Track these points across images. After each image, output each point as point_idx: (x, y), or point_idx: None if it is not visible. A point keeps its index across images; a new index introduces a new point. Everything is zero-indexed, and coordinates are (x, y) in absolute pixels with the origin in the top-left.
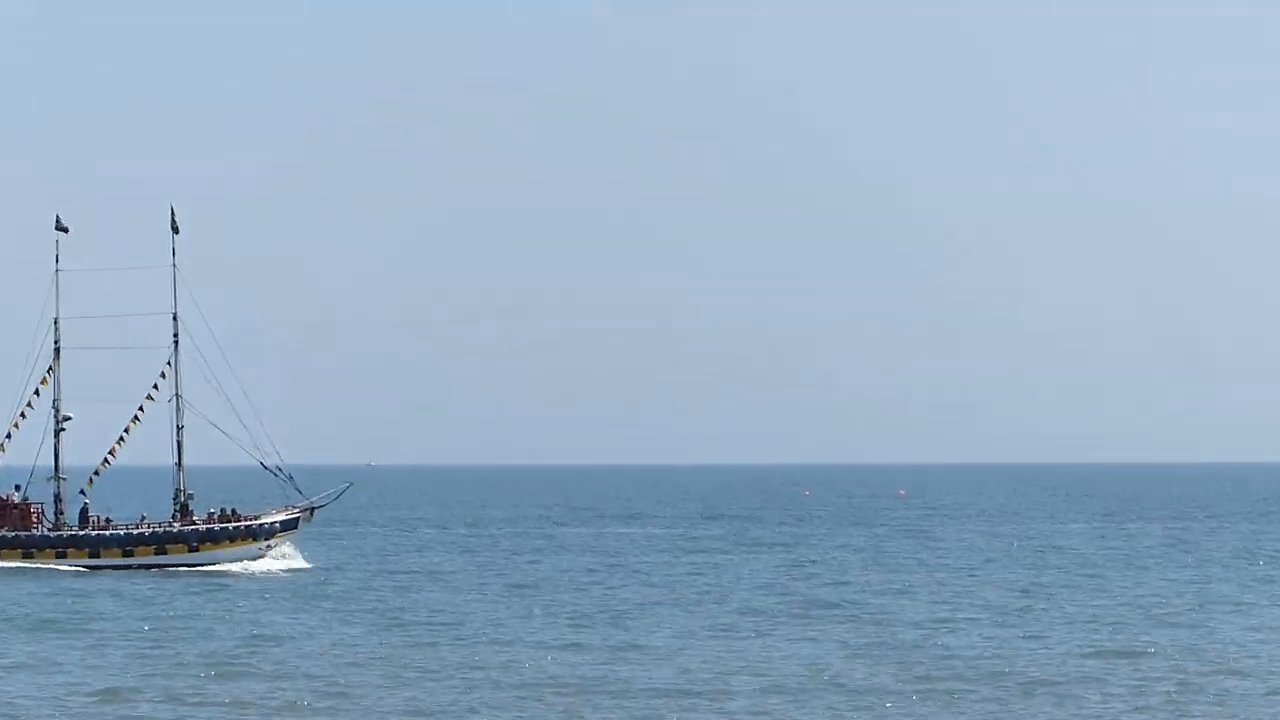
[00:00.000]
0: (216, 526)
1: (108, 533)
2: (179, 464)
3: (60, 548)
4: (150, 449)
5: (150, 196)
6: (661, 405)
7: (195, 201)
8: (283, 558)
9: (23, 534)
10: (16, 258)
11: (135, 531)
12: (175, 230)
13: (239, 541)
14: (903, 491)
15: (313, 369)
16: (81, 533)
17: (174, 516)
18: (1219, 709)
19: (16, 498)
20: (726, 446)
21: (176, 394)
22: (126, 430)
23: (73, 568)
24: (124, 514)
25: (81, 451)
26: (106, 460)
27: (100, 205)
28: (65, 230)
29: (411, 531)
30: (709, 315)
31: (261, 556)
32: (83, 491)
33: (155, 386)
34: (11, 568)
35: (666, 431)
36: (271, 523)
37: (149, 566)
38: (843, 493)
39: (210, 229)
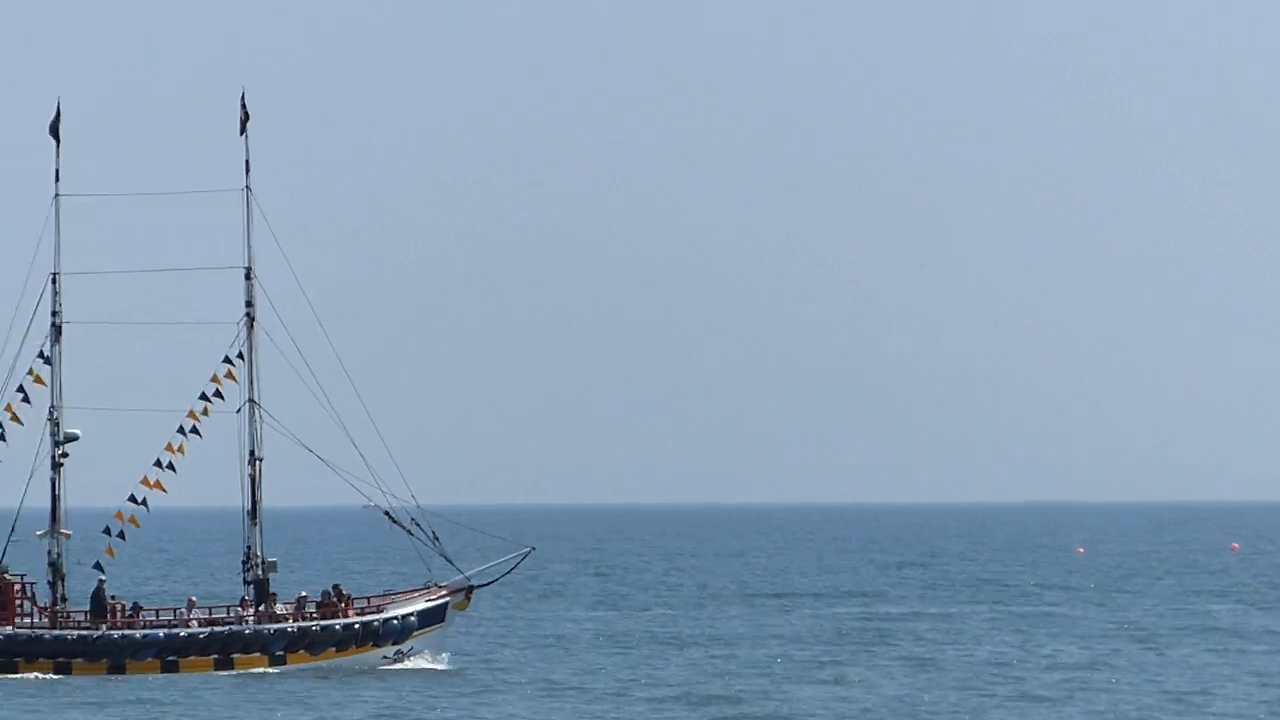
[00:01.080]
0: (318, 625)
1: (138, 632)
2: (252, 512)
3: (62, 655)
4: (197, 484)
5: (206, 74)
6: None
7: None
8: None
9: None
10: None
11: (186, 633)
12: (243, 126)
13: (354, 648)
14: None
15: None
16: (98, 632)
17: (246, 599)
18: None
19: None
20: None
21: (250, 400)
22: (170, 464)
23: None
24: (156, 589)
25: (91, 490)
26: (142, 502)
27: (123, 89)
28: (57, 131)
29: (561, 597)
30: None
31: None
32: (98, 565)
33: (221, 382)
34: None
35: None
36: (405, 616)
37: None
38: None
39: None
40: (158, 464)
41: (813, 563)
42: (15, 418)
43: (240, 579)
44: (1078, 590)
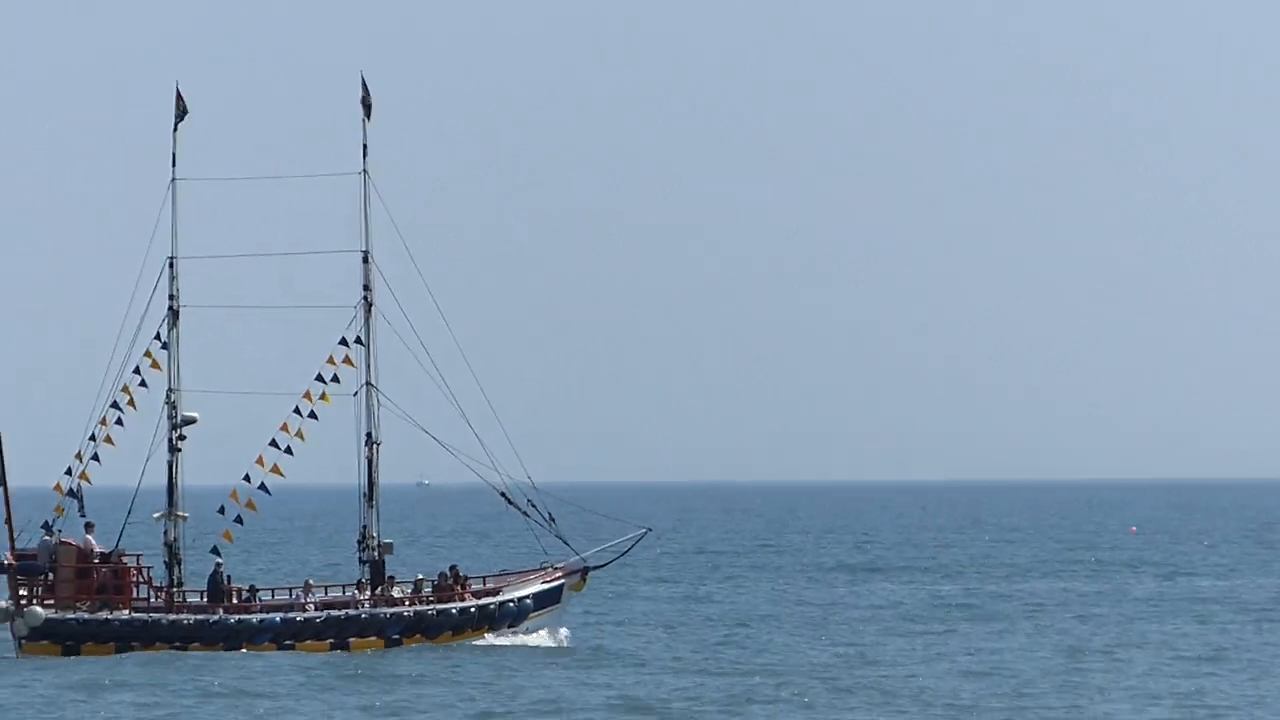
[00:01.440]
0: (434, 609)
1: (254, 616)
2: (369, 494)
3: (179, 639)
4: (315, 465)
5: (319, 59)
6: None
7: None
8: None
9: (117, 615)
10: (120, 159)
11: (302, 616)
12: (367, 110)
13: (470, 631)
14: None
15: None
16: (214, 616)
17: (362, 580)
18: None
19: (94, 540)
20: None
21: (367, 383)
22: (289, 447)
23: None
24: (268, 568)
25: (208, 472)
26: (260, 486)
27: (241, 74)
28: (184, 113)
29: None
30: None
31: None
32: (216, 550)
33: (336, 364)
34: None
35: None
36: (521, 598)
37: None
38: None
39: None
40: (274, 445)
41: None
42: (131, 401)
43: (356, 559)
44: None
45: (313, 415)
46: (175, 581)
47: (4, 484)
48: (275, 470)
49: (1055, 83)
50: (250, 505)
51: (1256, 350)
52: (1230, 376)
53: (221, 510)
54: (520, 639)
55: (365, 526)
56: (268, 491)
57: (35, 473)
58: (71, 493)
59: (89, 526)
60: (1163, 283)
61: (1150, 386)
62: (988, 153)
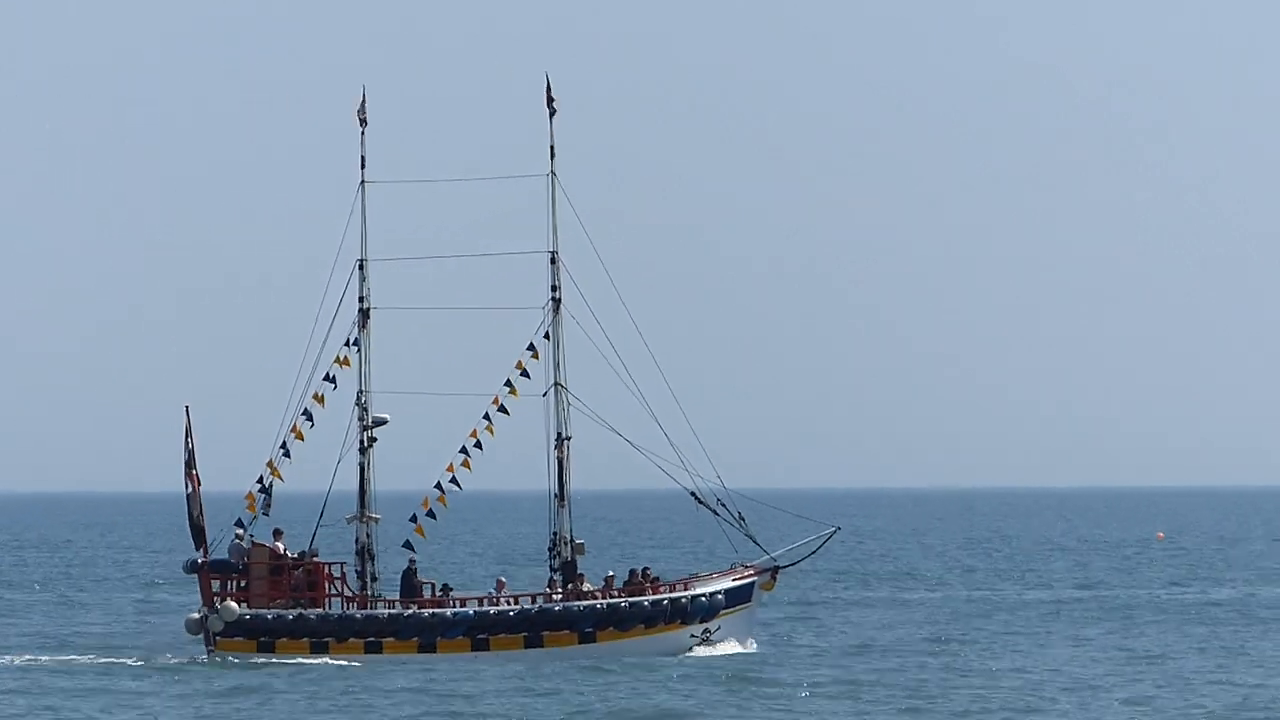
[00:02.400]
0: (626, 603)
1: (448, 611)
2: (560, 495)
3: (372, 634)
4: (503, 468)
5: (507, 61)
6: None
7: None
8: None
9: (310, 612)
10: (306, 164)
11: (493, 610)
12: (552, 109)
13: (662, 625)
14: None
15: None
16: (408, 611)
17: (554, 581)
18: None
19: (281, 547)
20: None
21: (556, 383)
22: (478, 444)
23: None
24: (460, 569)
25: (399, 474)
26: (452, 481)
27: (424, 79)
28: (364, 120)
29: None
30: None
31: (696, 647)
32: (408, 544)
33: (524, 364)
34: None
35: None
36: (712, 594)
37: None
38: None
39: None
40: (463, 450)
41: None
42: (320, 401)
43: (546, 563)
44: None
45: (503, 410)
46: (369, 579)
47: (197, 481)
48: (465, 465)
49: (1054, 82)
50: (442, 501)
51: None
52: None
53: (413, 518)
54: (710, 649)
55: (555, 530)
56: (459, 486)
57: (228, 477)
58: (264, 491)
59: (277, 533)
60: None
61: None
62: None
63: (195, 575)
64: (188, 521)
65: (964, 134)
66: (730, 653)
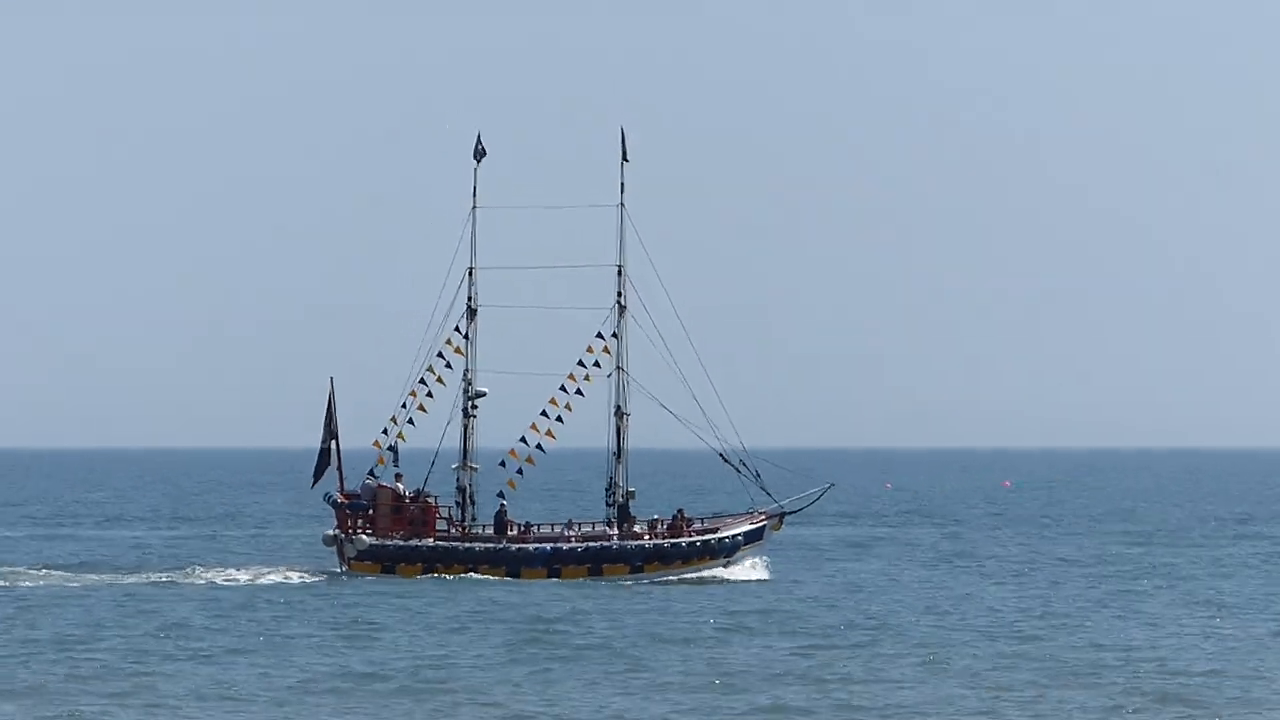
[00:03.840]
0: (669, 543)
1: (530, 547)
2: (618, 454)
3: (472, 562)
4: (567, 429)
5: (594, 118)
6: None
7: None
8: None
9: (424, 543)
10: (429, 191)
11: (566, 547)
12: (624, 158)
13: (694, 560)
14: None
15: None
16: (499, 545)
17: (610, 520)
18: None
19: (402, 488)
20: None
21: (618, 367)
22: (559, 417)
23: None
24: (536, 508)
25: (495, 435)
26: (537, 447)
27: (530, 126)
28: (482, 155)
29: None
30: None
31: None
32: (501, 494)
33: (591, 353)
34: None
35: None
36: (734, 535)
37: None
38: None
39: (667, 161)
40: (544, 415)
41: None
42: (440, 380)
43: (604, 505)
44: None
45: (579, 393)
46: (470, 518)
47: (336, 438)
48: (549, 434)
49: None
50: (530, 461)
51: None
52: None
53: (502, 464)
54: (733, 570)
55: (612, 479)
56: (543, 450)
57: (359, 435)
58: (391, 449)
59: (398, 477)
60: None
61: None
62: None
63: (333, 508)
64: (315, 466)
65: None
66: (746, 577)
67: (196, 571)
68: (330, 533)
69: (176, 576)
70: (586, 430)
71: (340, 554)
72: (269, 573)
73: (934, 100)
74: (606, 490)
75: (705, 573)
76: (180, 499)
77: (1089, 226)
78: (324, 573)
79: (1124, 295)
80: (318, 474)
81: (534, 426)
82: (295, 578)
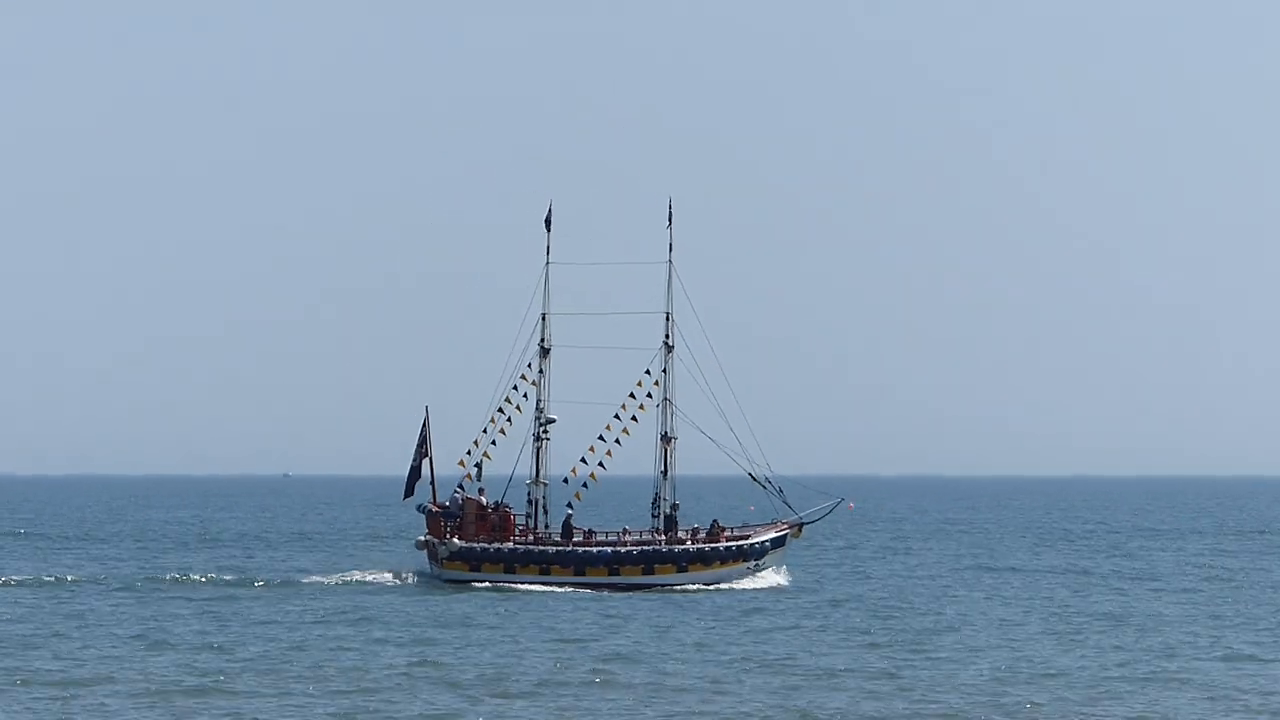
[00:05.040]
0: (708, 546)
1: (594, 549)
2: (665, 473)
3: (544, 563)
4: (624, 457)
5: (648, 188)
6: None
7: (695, 197)
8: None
9: (504, 547)
10: (508, 248)
11: (623, 549)
12: (670, 221)
13: (730, 562)
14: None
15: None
16: (568, 548)
17: (656, 529)
18: None
19: (485, 500)
20: None
21: (665, 399)
22: (617, 439)
23: (549, 588)
24: (591, 520)
25: (559, 457)
26: (601, 465)
27: (596, 196)
28: (549, 224)
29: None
30: None
31: (748, 577)
32: (570, 504)
33: (641, 386)
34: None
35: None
36: (762, 542)
37: (634, 587)
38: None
39: (711, 226)
40: (601, 440)
41: None
42: (518, 408)
43: (649, 518)
44: None
45: (634, 419)
46: (542, 526)
47: (429, 457)
48: (608, 454)
49: None
50: (593, 477)
51: None
52: None
53: (565, 481)
54: (759, 579)
55: (658, 494)
56: (604, 468)
57: (448, 459)
58: (477, 465)
59: (481, 491)
60: None
61: None
62: None
63: (425, 516)
64: (407, 481)
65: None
66: (769, 583)
67: (352, 574)
68: (422, 538)
69: (325, 579)
70: (636, 456)
71: (431, 555)
72: (372, 574)
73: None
74: (652, 504)
75: (736, 577)
76: (299, 517)
77: None
78: (415, 573)
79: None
80: (409, 489)
81: (592, 449)
82: (391, 579)
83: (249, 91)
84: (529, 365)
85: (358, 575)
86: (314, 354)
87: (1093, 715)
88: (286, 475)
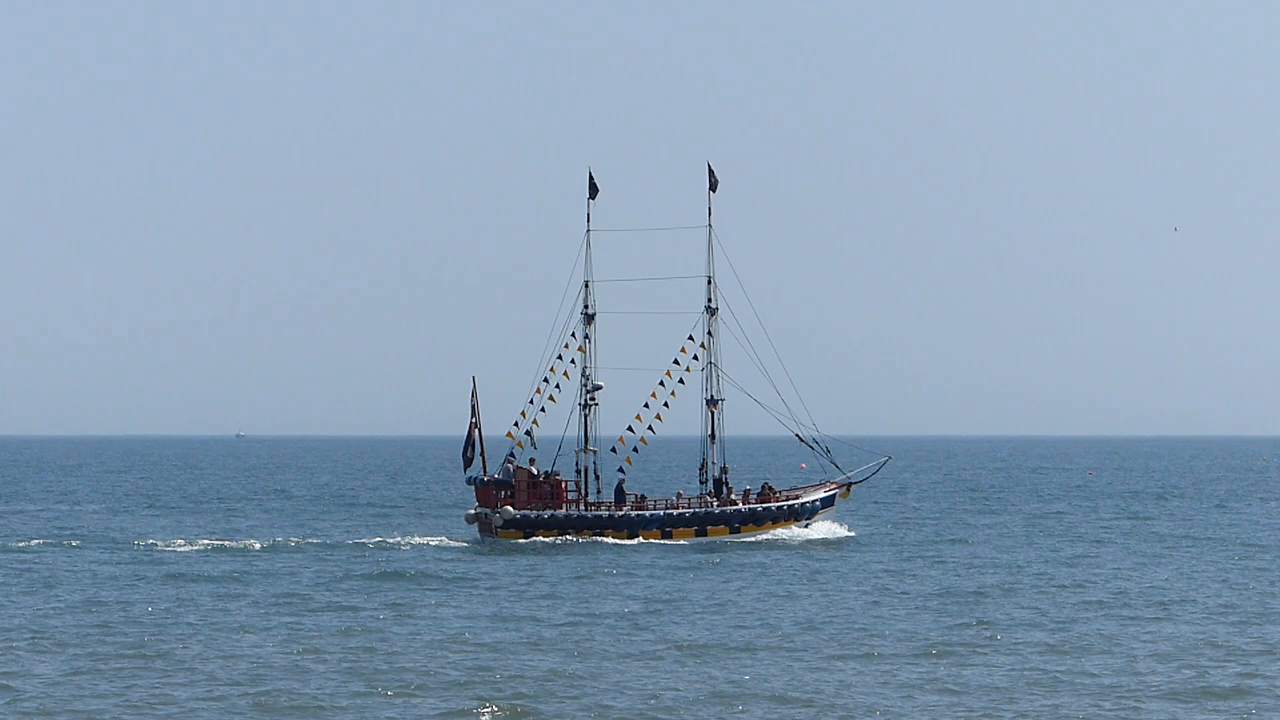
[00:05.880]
0: (759, 507)
1: (647, 513)
2: (712, 436)
3: (598, 528)
4: (671, 419)
5: (688, 152)
6: None
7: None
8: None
9: (558, 513)
10: (549, 218)
11: (676, 512)
12: (713, 188)
13: (781, 523)
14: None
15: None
16: (620, 512)
17: (706, 492)
18: None
19: (535, 469)
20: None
21: (710, 363)
22: (665, 403)
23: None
24: (640, 488)
25: (607, 422)
26: (650, 428)
27: (635, 161)
28: (595, 193)
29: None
30: None
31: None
32: (621, 469)
33: (685, 353)
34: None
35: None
36: (813, 501)
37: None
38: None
39: (749, 186)
40: (646, 407)
41: None
42: (565, 375)
43: (697, 483)
44: None
45: (681, 381)
46: (594, 491)
47: (479, 428)
48: (658, 418)
49: None
50: (644, 441)
51: None
52: None
53: (614, 450)
54: (812, 530)
55: (705, 459)
56: (654, 432)
57: (495, 425)
58: (528, 433)
59: (531, 461)
60: None
61: None
62: None
63: (476, 487)
64: (464, 453)
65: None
66: (824, 534)
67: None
68: (472, 511)
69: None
70: (681, 420)
71: (482, 528)
72: (432, 539)
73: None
74: (700, 470)
75: (785, 533)
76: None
77: None
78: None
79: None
80: (468, 460)
81: (639, 417)
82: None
83: (293, 53)
84: (572, 334)
85: (427, 540)
86: (358, 326)
87: None
88: (239, 435)
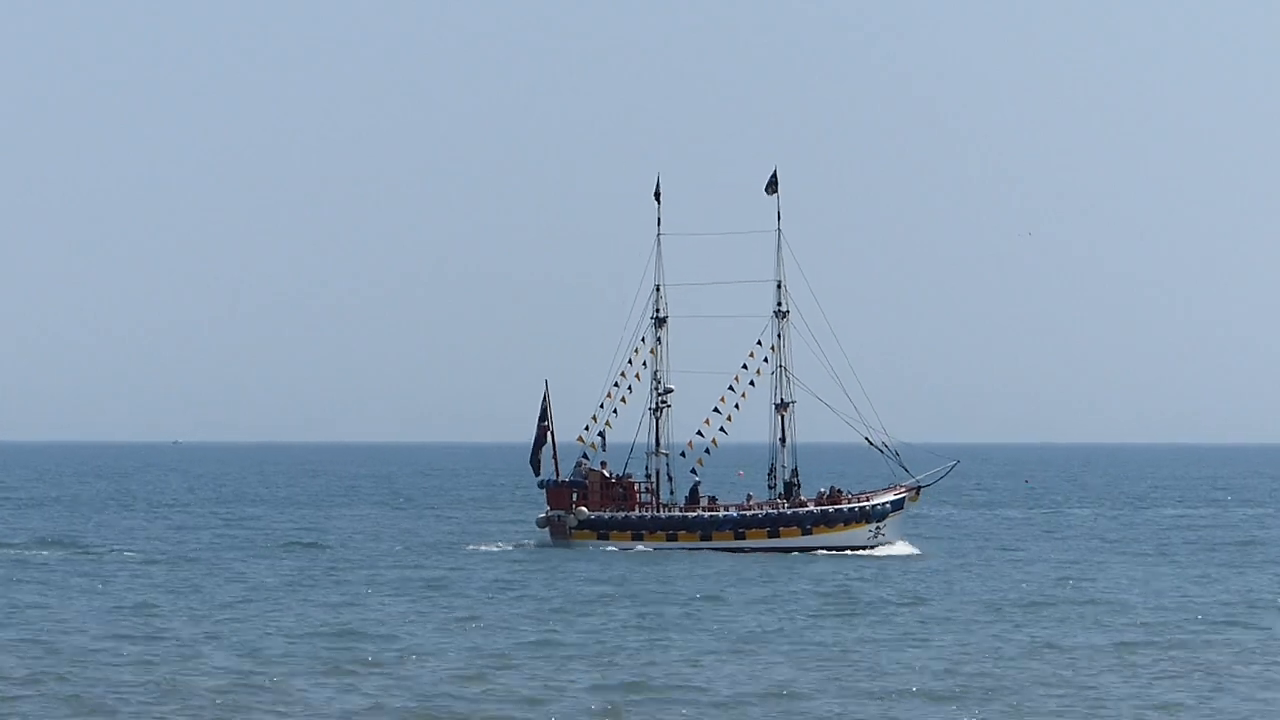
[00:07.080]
0: (831, 509)
1: (720, 514)
2: (782, 440)
3: (671, 529)
4: (740, 423)
5: (751, 156)
6: None
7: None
8: (890, 543)
9: (632, 515)
10: (621, 223)
11: (749, 514)
12: (774, 191)
13: (852, 524)
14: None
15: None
16: (694, 514)
17: (777, 496)
18: None
19: (607, 471)
20: None
21: (780, 366)
22: (737, 405)
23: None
24: (710, 492)
25: (676, 427)
26: (722, 430)
27: (703, 167)
28: (659, 197)
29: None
30: None
31: (872, 541)
32: (694, 470)
33: (753, 357)
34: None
35: None
36: (883, 504)
37: (759, 550)
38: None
39: (814, 192)
40: (716, 411)
41: None
42: (637, 376)
43: (766, 488)
44: None
45: (751, 384)
46: (668, 494)
47: (552, 432)
48: (728, 419)
49: None
50: (714, 443)
51: None
52: None
53: (683, 454)
54: (886, 549)
55: (774, 464)
56: (725, 432)
57: (568, 432)
58: (600, 435)
59: (603, 464)
60: None
61: None
62: None
63: (545, 490)
64: (532, 457)
65: None
66: (894, 553)
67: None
68: (544, 514)
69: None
70: (749, 424)
71: (554, 531)
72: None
73: None
74: (768, 474)
75: (859, 539)
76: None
77: None
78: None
79: None
80: (536, 465)
81: (708, 421)
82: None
83: (345, 42)
84: (642, 340)
85: (493, 547)
86: (436, 329)
87: None
88: (176, 443)
